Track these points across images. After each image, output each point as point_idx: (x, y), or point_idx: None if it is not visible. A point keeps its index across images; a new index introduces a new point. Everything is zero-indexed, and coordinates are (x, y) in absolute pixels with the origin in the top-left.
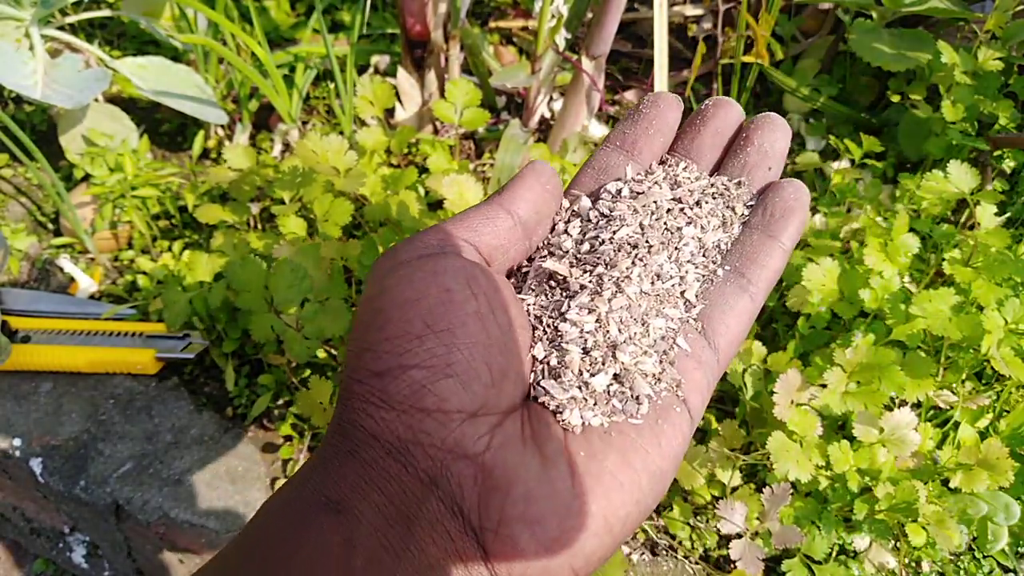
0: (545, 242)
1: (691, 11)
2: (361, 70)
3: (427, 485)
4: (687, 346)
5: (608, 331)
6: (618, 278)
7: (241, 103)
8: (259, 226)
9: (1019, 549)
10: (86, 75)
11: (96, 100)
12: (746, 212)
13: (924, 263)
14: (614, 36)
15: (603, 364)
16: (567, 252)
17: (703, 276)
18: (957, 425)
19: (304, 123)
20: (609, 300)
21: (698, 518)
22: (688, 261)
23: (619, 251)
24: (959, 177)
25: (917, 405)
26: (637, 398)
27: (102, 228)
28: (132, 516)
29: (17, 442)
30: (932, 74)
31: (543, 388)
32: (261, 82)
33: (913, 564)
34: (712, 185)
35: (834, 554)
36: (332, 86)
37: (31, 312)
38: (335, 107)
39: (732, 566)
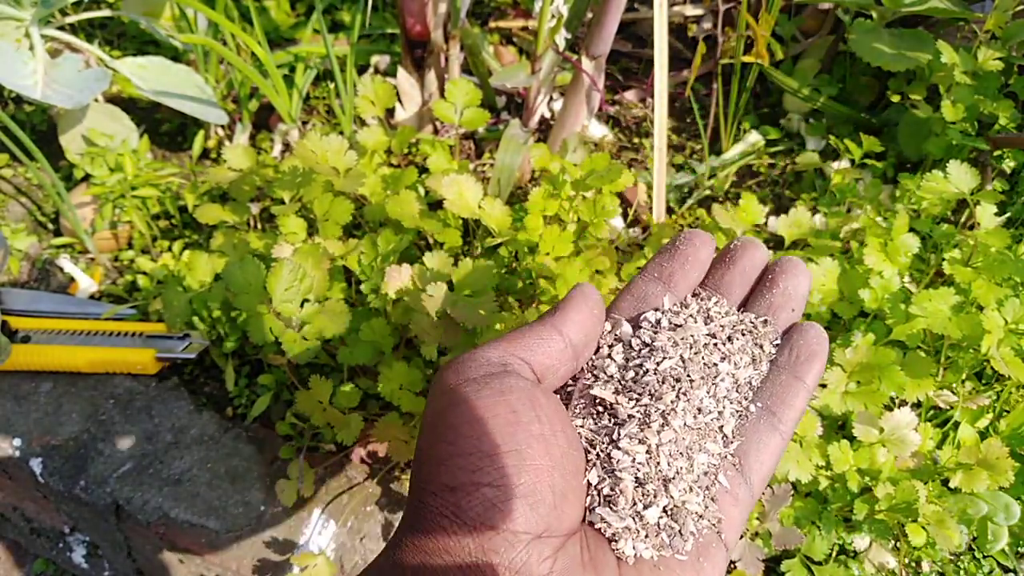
0: (589, 364)
1: (691, 11)
2: (361, 70)
3: None
4: (727, 483)
5: (659, 463)
6: (664, 411)
7: (241, 103)
8: (259, 226)
9: (1019, 549)
10: (86, 75)
11: (96, 100)
12: (772, 350)
13: (924, 263)
14: (614, 36)
15: (655, 497)
16: (611, 378)
17: (738, 412)
18: (957, 425)
19: (304, 123)
20: (658, 432)
21: None
22: (724, 396)
23: (663, 383)
24: (959, 177)
25: (917, 405)
26: (682, 534)
27: (102, 228)
28: (132, 516)
29: (17, 442)
30: (932, 74)
31: (599, 515)
32: (261, 82)
33: (913, 564)
34: (741, 322)
35: (834, 554)
36: (332, 86)
37: (31, 312)
38: (335, 107)
39: (732, 566)
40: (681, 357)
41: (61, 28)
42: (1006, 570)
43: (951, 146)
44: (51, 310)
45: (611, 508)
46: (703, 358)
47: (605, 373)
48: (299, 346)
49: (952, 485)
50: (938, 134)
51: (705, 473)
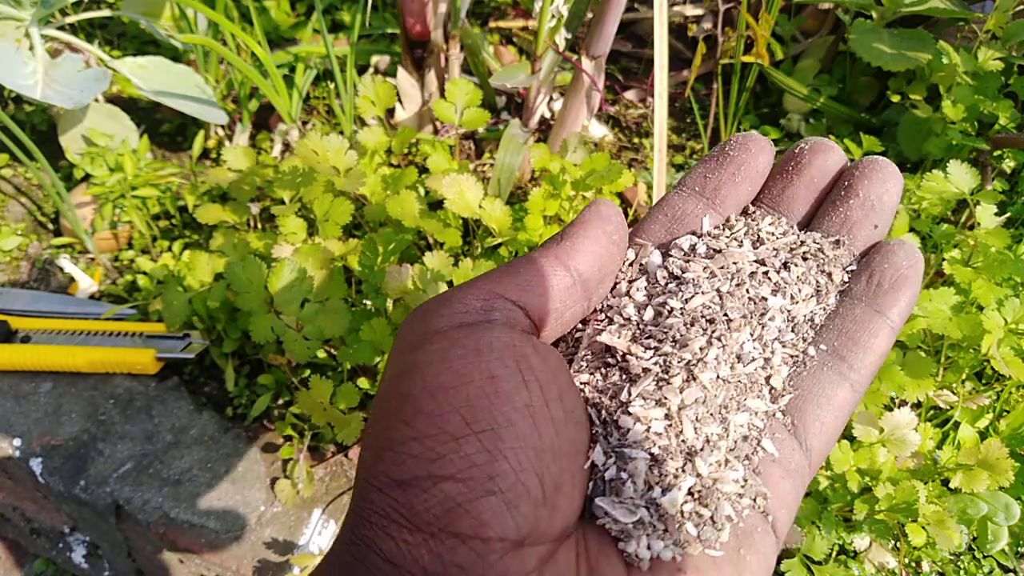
0: (604, 303)
1: (691, 11)
2: (361, 70)
3: None
4: (774, 449)
5: (682, 432)
6: (690, 361)
7: (241, 103)
8: (259, 226)
9: (1019, 549)
10: (86, 75)
11: (96, 100)
12: (845, 278)
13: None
14: (614, 36)
15: (676, 477)
16: (628, 320)
17: (792, 357)
18: (957, 425)
19: (304, 123)
20: (680, 390)
21: None
22: (775, 339)
23: (692, 326)
24: (959, 177)
25: (917, 405)
26: (715, 521)
27: (102, 228)
28: (132, 516)
29: (17, 442)
30: (932, 74)
31: (602, 507)
32: (261, 82)
33: (913, 564)
34: (803, 244)
35: (834, 554)
36: (332, 86)
37: (31, 312)
38: (335, 107)
39: None
40: (718, 291)
41: (61, 28)
42: (1006, 570)
43: (951, 146)
44: (51, 310)
45: (617, 497)
46: (747, 291)
47: (621, 315)
48: (299, 346)
49: (952, 485)
50: (938, 134)
51: (745, 438)
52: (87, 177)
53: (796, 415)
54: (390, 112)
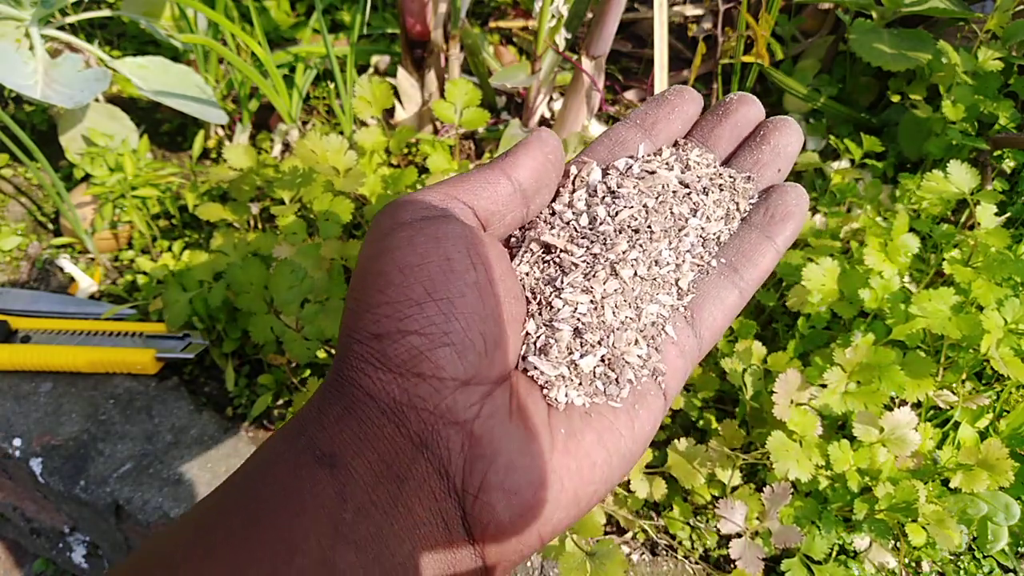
0: (547, 211)
1: (691, 11)
2: (361, 70)
3: (418, 447)
4: (674, 334)
5: (603, 314)
6: (614, 261)
7: (241, 103)
8: (259, 226)
9: (1019, 549)
10: (86, 75)
11: (96, 100)
12: (747, 208)
13: (924, 263)
14: (614, 36)
15: (593, 347)
16: (567, 224)
17: (698, 266)
18: (957, 425)
19: (304, 123)
20: (604, 282)
21: (698, 518)
22: (687, 251)
23: (620, 233)
24: (959, 177)
25: (917, 405)
26: (619, 382)
27: (102, 228)
28: (132, 516)
29: (17, 442)
30: (932, 74)
31: (532, 363)
32: (261, 82)
33: (913, 564)
34: (721, 175)
35: (834, 554)
36: (332, 86)
37: (31, 312)
38: (335, 107)
39: (732, 566)
40: (645, 206)
41: (61, 28)
42: (1006, 570)
43: (951, 146)
44: (51, 310)
45: (545, 357)
46: (670, 208)
47: (562, 220)
48: (299, 346)
49: (952, 485)
50: (938, 134)
51: (653, 324)
52: (87, 177)
53: (695, 311)
54: (390, 112)
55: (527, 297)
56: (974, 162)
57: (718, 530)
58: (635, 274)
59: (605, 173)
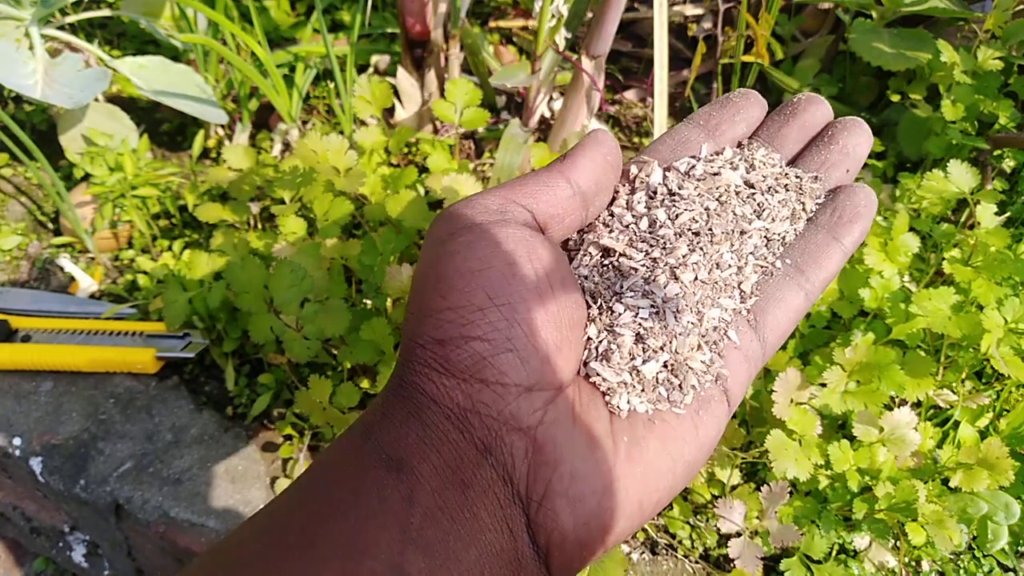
0: (607, 214)
1: (691, 11)
2: (361, 70)
3: (482, 453)
4: (737, 338)
5: (664, 320)
6: (674, 265)
7: (241, 103)
8: (259, 226)
9: (1019, 548)
10: (86, 75)
11: (96, 100)
12: (815, 209)
13: (924, 262)
14: (614, 36)
15: (655, 352)
16: (626, 228)
17: (762, 268)
18: (957, 424)
19: (304, 123)
20: (664, 287)
21: (698, 517)
22: (750, 253)
23: (680, 236)
24: (959, 176)
25: (917, 404)
26: (683, 388)
27: (102, 228)
28: (132, 515)
29: (17, 441)
30: (932, 74)
31: (595, 369)
32: (261, 82)
33: (913, 563)
34: (787, 175)
35: (834, 553)
36: (332, 86)
37: (31, 312)
38: (335, 107)
39: (732, 565)
40: (706, 209)
41: (61, 28)
42: (1006, 569)
43: (951, 146)
44: (51, 310)
45: (607, 363)
46: (733, 210)
47: (621, 223)
48: (299, 346)
49: (952, 484)
50: (938, 134)
51: (715, 328)
52: (87, 177)
53: (758, 314)
54: (390, 112)
55: (587, 301)
56: (974, 162)
57: (718, 529)
58: (696, 278)
59: (665, 174)
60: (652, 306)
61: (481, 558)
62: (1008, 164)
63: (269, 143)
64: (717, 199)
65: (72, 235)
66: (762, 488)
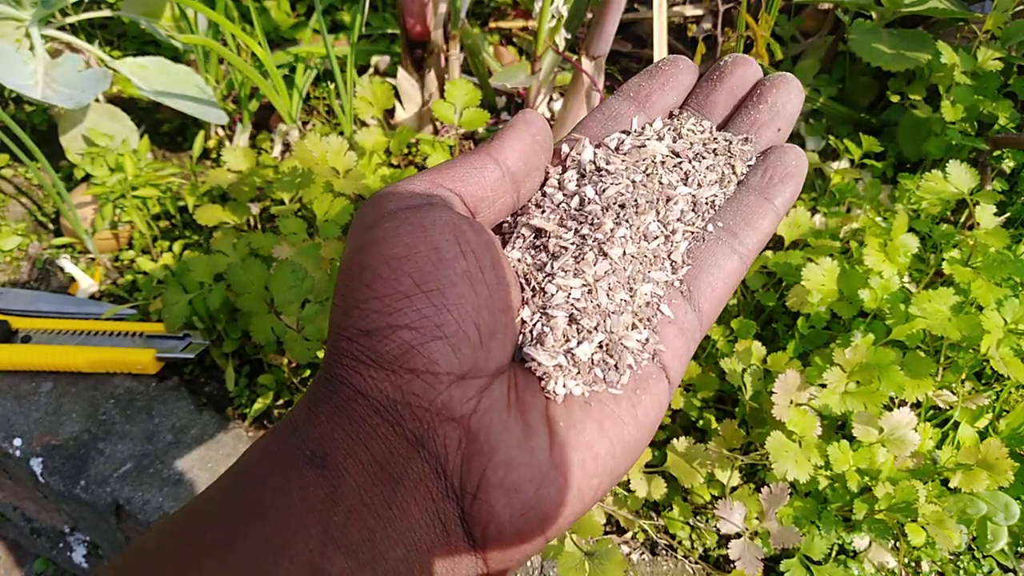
0: (540, 194)
1: (691, 11)
2: (361, 70)
3: (413, 446)
4: (670, 312)
5: (597, 298)
6: (601, 241)
7: (241, 103)
8: (259, 226)
9: (1019, 549)
10: (86, 75)
11: (96, 100)
12: (745, 171)
13: (924, 263)
14: (614, 36)
15: (589, 333)
16: (558, 206)
17: (692, 234)
18: (957, 425)
19: (304, 123)
20: (594, 264)
21: (698, 518)
22: (677, 219)
23: (606, 211)
24: (958, 177)
25: (917, 405)
26: (618, 368)
27: (102, 228)
28: (132, 516)
29: (17, 442)
30: (932, 74)
31: (529, 354)
32: (261, 82)
33: (913, 564)
34: (715, 140)
35: (834, 554)
36: (332, 86)
37: (31, 312)
38: (335, 107)
39: (732, 566)
40: (632, 181)
41: (61, 28)
42: (1006, 570)
43: (951, 146)
44: (51, 310)
45: (541, 346)
46: (659, 180)
47: (552, 202)
48: (300, 346)
49: (952, 485)
50: (938, 134)
51: (648, 304)
52: (87, 177)
53: (692, 283)
54: (390, 112)
55: (521, 284)
56: (974, 162)
57: (718, 530)
58: (624, 253)
59: (595, 151)
60: (584, 285)
61: (410, 555)
62: (1007, 164)
63: (269, 144)
64: (643, 171)
65: (72, 236)
66: (762, 489)
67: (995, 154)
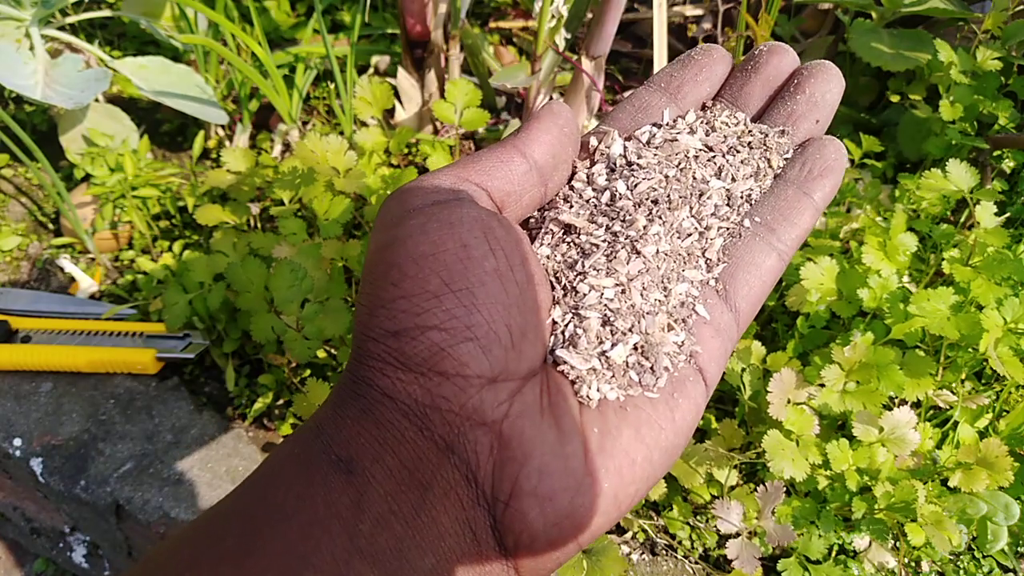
0: (568, 188)
1: (691, 11)
2: (361, 70)
3: (443, 451)
4: (706, 313)
5: (631, 299)
6: (634, 238)
7: (241, 103)
8: (259, 226)
9: (1019, 549)
10: (86, 75)
11: (96, 100)
12: (782, 164)
13: (923, 262)
14: (614, 36)
15: (624, 335)
16: (587, 201)
17: (727, 230)
18: (956, 424)
19: (304, 123)
20: (627, 263)
21: (697, 517)
22: (712, 215)
23: (639, 207)
24: (958, 176)
25: (916, 404)
26: (654, 371)
27: (102, 228)
28: (132, 516)
29: (17, 442)
30: (932, 74)
31: (561, 357)
32: (261, 82)
33: (913, 564)
34: (750, 132)
35: (833, 554)
36: (332, 86)
37: (31, 312)
38: (335, 107)
39: (731, 566)
40: (665, 176)
41: (61, 28)
42: (1006, 570)
43: (951, 146)
44: (51, 310)
45: (574, 349)
46: (692, 175)
47: (581, 197)
48: (300, 346)
49: (951, 485)
50: (937, 134)
51: (683, 304)
52: (87, 177)
53: (728, 281)
54: (390, 112)
55: (551, 282)
56: (973, 162)
57: (717, 530)
58: (658, 251)
59: (625, 144)
60: (617, 284)
61: (439, 565)
62: (1007, 164)
63: (269, 143)
64: (676, 166)
65: (72, 236)
66: (758, 488)
67: (995, 154)
